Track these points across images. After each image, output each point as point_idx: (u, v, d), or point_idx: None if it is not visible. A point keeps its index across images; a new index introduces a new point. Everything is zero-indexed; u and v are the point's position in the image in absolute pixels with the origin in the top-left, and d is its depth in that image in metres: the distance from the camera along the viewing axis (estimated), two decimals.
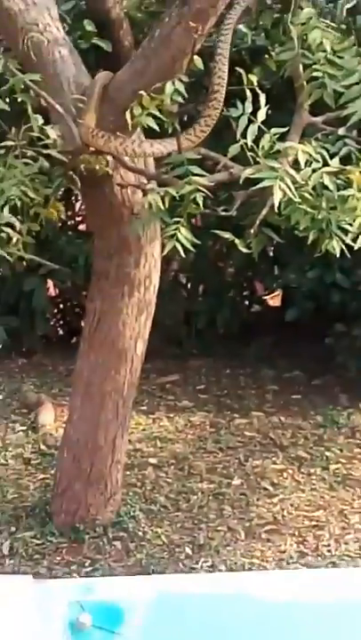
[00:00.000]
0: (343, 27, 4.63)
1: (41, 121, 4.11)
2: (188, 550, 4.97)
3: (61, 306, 8.12)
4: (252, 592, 3.60)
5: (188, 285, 7.97)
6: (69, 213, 7.84)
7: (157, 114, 3.79)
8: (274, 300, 8.27)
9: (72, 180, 4.51)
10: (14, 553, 4.92)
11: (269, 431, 6.34)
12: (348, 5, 5.46)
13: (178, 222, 3.81)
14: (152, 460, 5.91)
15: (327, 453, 6.00)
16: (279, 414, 6.61)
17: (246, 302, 7.86)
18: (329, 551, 4.97)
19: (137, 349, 4.95)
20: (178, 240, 3.80)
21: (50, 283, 7.72)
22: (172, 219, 3.89)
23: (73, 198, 7.65)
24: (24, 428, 6.39)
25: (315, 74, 3.77)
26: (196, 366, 7.47)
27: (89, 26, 5.83)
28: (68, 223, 7.83)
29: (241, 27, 5.42)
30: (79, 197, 7.26)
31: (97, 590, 3.69)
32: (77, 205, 7.80)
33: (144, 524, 5.19)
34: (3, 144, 4.21)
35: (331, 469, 5.80)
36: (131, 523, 5.14)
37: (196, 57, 3.88)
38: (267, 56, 6.82)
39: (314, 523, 5.23)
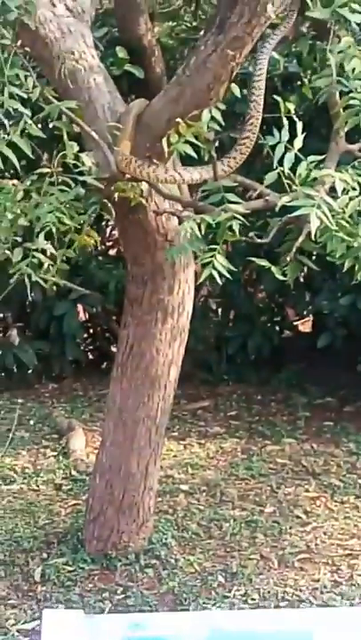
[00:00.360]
0: None
1: (76, 148, 4.11)
2: (220, 578, 4.93)
3: (92, 331, 8.14)
4: (303, 629, 3.56)
5: (219, 311, 7.97)
6: (100, 238, 7.87)
7: (194, 141, 3.78)
8: (304, 325, 8.26)
9: (106, 207, 4.53)
10: (46, 580, 4.90)
11: (302, 458, 6.30)
12: None
13: (214, 250, 3.80)
14: (184, 487, 5.88)
15: (360, 481, 5.95)
16: (311, 441, 6.58)
17: (277, 328, 7.83)
18: None
19: (170, 376, 4.94)
20: (214, 267, 3.79)
21: (80, 307, 7.74)
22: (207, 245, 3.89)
23: (104, 223, 7.68)
24: (55, 453, 6.39)
25: (351, 102, 3.76)
26: (227, 392, 7.46)
27: (121, 53, 5.88)
28: (99, 248, 7.86)
29: (273, 53, 5.43)
30: (110, 222, 7.30)
31: (147, 626, 3.66)
32: (108, 230, 7.83)
33: (176, 551, 5.16)
34: (38, 171, 4.22)
35: None
36: (163, 550, 5.11)
37: (233, 84, 3.87)
38: (299, 83, 6.87)
39: (348, 551, 5.18)
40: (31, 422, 6.92)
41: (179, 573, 4.96)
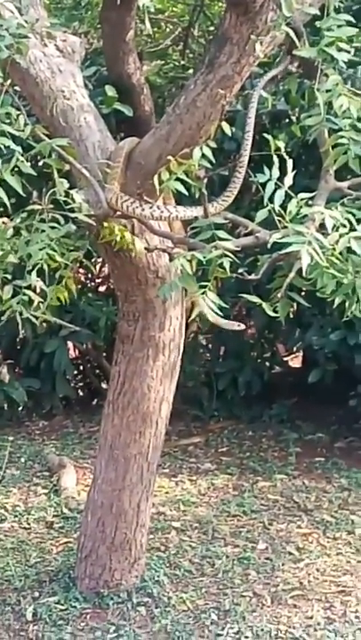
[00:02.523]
0: None
1: (66, 185, 4.12)
2: (213, 616, 4.90)
3: (82, 367, 8.13)
4: None
5: (209, 347, 7.97)
6: (90, 275, 7.89)
7: (185, 178, 3.80)
8: (294, 361, 8.26)
9: (97, 245, 4.54)
10: (38, 619, 4.87)
11: (293, 494, 6.29)
12: None
13: (205, 287, 3.80)
14: (175, 524, 5.86)
15: (352, 517, 5.94)
16: (303, 477, 6.57)
17: (267, 364, 7.83)
18: (357, 617, 4.89)
19: (161, 412, 4.94)
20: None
21: (70, 344, 7.73)
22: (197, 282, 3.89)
23: (93, 260, 7.69)
24: (46, 491, 6.37)
25: (340, 140, 3.78)
26: (217, 428, 7.45)
27: (110, 91, 5.93)
28: (89, 285, 7.87)
29: (262, 91, 5.51)
30: (100, 259, 7.31)
31: None
32: (98, 267, 7.84)
33: (169, 589, 5.13)
34: (29, 208, 4.23)
35: (356, 533, 5.73)
36: (155, 588, 5.09)
37: (224, 123, 3.90)
38: (286, 120, 6.93)
39: (341, 588, 5.16)
40: (22, 460, 6.90)
41: (171, 611, 4.93)
